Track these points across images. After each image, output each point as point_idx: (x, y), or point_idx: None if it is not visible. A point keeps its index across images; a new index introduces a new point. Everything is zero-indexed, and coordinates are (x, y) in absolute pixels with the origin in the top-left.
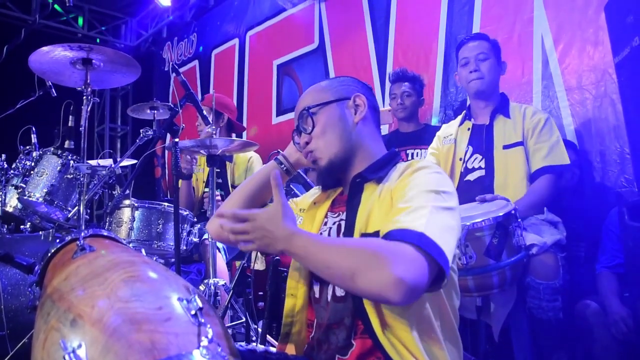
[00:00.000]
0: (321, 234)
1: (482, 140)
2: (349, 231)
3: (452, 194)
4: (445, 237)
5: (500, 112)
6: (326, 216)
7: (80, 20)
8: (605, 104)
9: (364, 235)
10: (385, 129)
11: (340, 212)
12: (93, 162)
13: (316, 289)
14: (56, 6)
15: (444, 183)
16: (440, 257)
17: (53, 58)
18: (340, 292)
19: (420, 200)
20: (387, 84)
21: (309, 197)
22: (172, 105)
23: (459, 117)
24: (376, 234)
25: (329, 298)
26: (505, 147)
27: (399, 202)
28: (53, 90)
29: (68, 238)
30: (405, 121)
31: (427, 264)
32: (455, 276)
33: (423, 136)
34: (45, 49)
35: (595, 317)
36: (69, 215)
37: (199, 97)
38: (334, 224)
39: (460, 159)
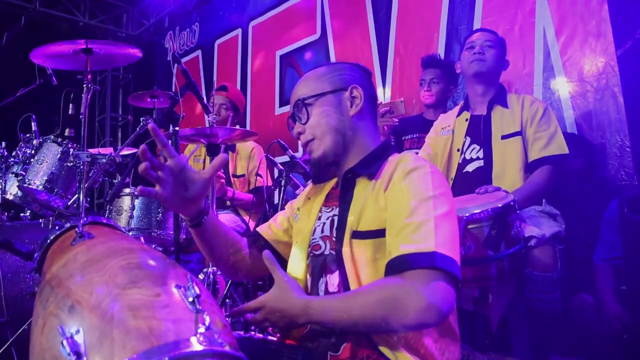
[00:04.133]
0: (315, 229)
1: (480, 131)
2: (341, 228)
3: (447, 192)
4: (453, 245)
5: (498, 102)
6: (320, 210)
7: (81, 9)
8: (606, 97)
9: (355, 232)
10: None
11: (334, 207)
12: (93, 151)
13: (309, 283)
14: None
15: (438, 183)
16: (454, 268)
17: (54, 53)
18: (332, 289)
19: (423, 211)
20: (388, 75)
21: (303, 195)
22: (172, 94)
23: (457, 108)
24: (368, 233)
25: (322, 294)
26: (504, 137)
27: (403, 216)
28: (54, 77)
29: (67, 225)
30: (432, 108)
31: (447, 279)
32: None
33: None
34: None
35: (592, 311)
36: (69, 203)
37: (202, 87)
38: (327, 219)
39: (458, 150)
